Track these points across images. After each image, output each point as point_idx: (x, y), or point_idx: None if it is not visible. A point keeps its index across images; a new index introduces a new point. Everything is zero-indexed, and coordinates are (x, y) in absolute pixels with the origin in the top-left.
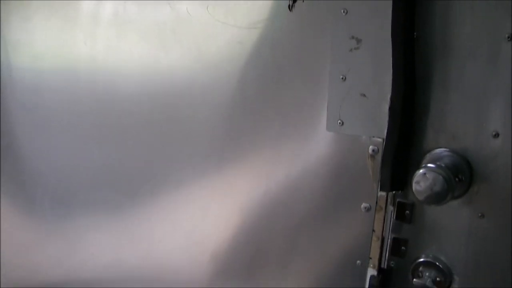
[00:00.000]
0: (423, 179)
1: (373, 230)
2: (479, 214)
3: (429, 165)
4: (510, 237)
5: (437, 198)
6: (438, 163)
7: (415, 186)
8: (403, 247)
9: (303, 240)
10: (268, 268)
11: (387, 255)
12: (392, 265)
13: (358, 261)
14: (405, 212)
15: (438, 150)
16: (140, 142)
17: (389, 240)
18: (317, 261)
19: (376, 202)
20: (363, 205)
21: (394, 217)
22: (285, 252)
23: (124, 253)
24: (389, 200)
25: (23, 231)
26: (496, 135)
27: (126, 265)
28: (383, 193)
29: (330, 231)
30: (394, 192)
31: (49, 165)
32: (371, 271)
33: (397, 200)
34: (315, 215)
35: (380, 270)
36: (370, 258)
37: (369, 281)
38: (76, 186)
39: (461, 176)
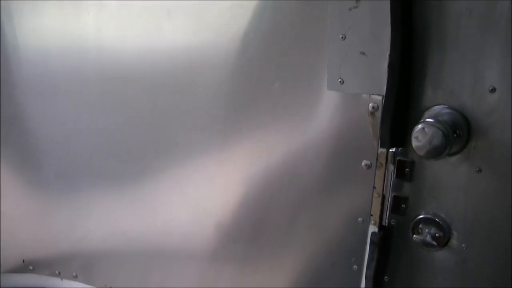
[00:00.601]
0: (422, 133)
1: (374, 187)
2: (477, 169)
3: (428, 120)
4: (507, 190)
5: (436, 152)
6: (436, 118)
7: (414, 141)
8: (403, 205)
9: (306, 200)
10: (273, 231)
11: (387, 213)
12: (393, 223)
13: (359, 219)
14: (405, 170)
15: (436, 107)
16: (145, 112)
17: (389, 198)
18: (319, 220)
19: (377, 159)
20: (364, 162)
21: (395, 176)
22: (289, 212)
23: (130, 222)
24: (389, 158)
25: (29, 201)
26: (493, 90)
27: (132, 234)
28: (383, 150)
29: (332, 189)
30: (394, 150)
31: (54, 135)
32: (372, 228)
33: (397, 158)
34: (317, 175)
35: (381, 227)
36: (371, 215)
37: (370, 237)
38: (82, 156)
39: (459, 132)
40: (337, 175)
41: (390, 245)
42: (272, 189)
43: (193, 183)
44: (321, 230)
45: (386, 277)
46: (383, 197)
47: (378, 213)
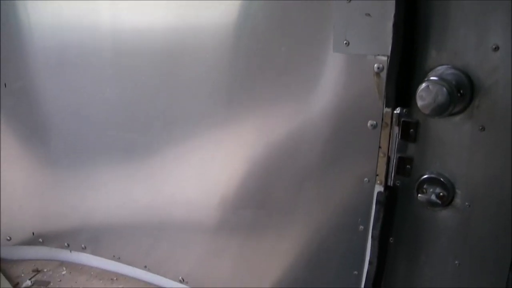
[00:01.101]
0: (427, 91)
1: (379, 147)
2: (480, 127)
3: (432, 78)
4: (509, 147)
5: (441, 109)
6: (441, 77)
7: (419, 100)
8: (408, 166)
9: (312, 162)
10: (279, 196)
11: (393, 174)
12: (398, 184)
13: (365, 179)
14: (409, 131)
15: (440, 68)
16: (152, 84)
17: (394, 160)
18: (325, 182)
19: (382, 119)
20: (370, 122)
21: (399, 137)
22: (296, 175)
23: (138, 194)
24: (394, 120)
25: (38, 174)
26: (496, 49)
27: (140, 205)
28: (388, 110)
29: (338, 150)
30: (399, 112)
31: (62, 107)
32: (378, 188)
33: (402, 120)
34: (323, 136)
35: (386, 186)
36: (377, 175)
37: (376, 197)
38: (90, 129)
39: (463, 91)
40: (343, 136)
41: (395, 205)
42: (279, 153)
43: (199, 154)
44: (328, 191)
45: (391, 238)
46: (389, 157)
47: (383, 172)
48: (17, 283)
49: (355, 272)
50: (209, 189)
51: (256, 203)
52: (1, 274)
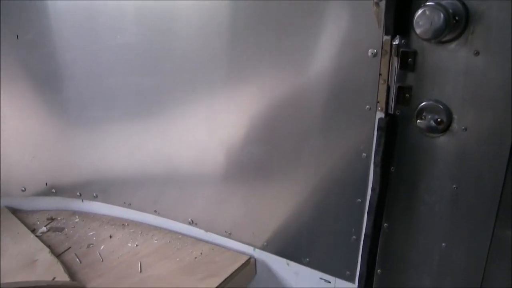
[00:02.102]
0: (423, 16)
1: (380, 74)
2: (475, 52)
3: (428, 3)
4: (503, 69)
5: (437, 32)
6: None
7: (416, 25)
8: (407, 95)
9: (316, 90)
10: (284, 133)
11: (393, 104)
12: (398, 113)
13: (367, 106)
14: (408, 60)
15: None
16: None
17: (394, 90)
18: (328, 111)
19: (382, 47)
20: (370, 51)
21: (399, 67)
22: (299, 104)
23: (147, 141)
24: (393, 50)
25: (51, 123)
26: None
27: (149, 158)
28: (388, 37)
29: (340, 80)
30: (397, 42)
31: (75, 56)
32: (379, 115)
33: (401, 50)
34: (325, 66)
35: (387, 113)
36: (378, 102)
37: (378, 123)
38: (102, 78)
39: (458, 18)
40: (344, 65)
41: (396, 132)
42: (284, 83)
43: (205, 113)
44: (330, 121)
45: (392, 167)
46: (388, 86)
47: (384, 98)
48: (33, 230)
49: (359, 200)
50: (213, 147)
51: (264, 141)
52: (20, 222)
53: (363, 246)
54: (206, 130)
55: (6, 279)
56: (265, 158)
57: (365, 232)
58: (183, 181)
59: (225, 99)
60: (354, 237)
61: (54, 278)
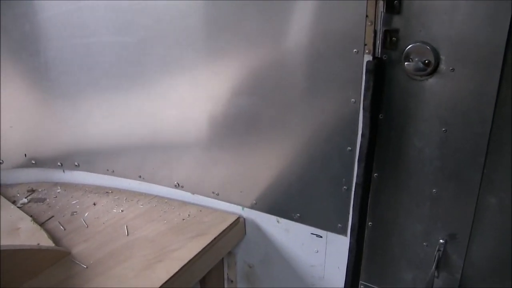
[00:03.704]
0: None
1: (366, 16)
2: None
3: None
4: (487, 9)
5: None
6: None
7: None
8: (394, 38)
9: (301, 35)
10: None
11: (379, 48)
12: (385, 58)
13: (354, 50)
14: (394, 3)
15: None
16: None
17: (380, 34)
18: (314, 56)
19: None
20: None
21: (384, 10)
22: (286, 51)
23: (129, 107)
24: None
25: (29, 91)
26: None
27: (131, 119)
28: None
29: (326, 22)
30: None
31: (55, 16)
32: (367, 57)
33: None
34: (309, 5)
35: (374, 56)
36: (365, 45)
37: (366, 66)
38: (83, 42)
39: None
40: (329, 8)
41: (384, 76)
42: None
43: (189, 70)
44: (317, 66)
45: (381, 115)
46: (375, 30)
47: (371, 40)
48: (14, 202)
49: (349, 148)
50: (201, 94)
51: (249, 93)
52: None
53: (354, 196)
54: (190, 87)
55: None
56: (251, 111)
57: (356, 181)
58: (168, 144)
59: (210, 52)
60: (345, 187)
61: (38, 244)
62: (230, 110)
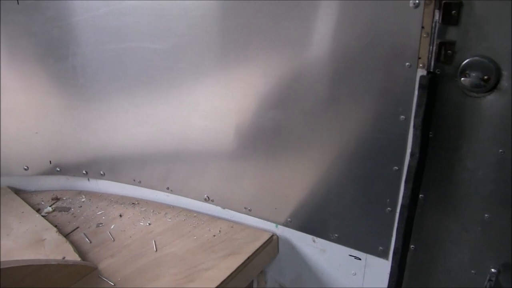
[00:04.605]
0: None
1: (422, 27)
2: None
3: None
4: None
5: None
6: None
7: None
8: (449, 51)
9: (350, 45)
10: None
11: (433, 62)
12: (438, 72)
13: (407, 63)
14: (451, 13)
15: None
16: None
17: (435, 46)
18: (364, 67)
19: None
20: (412, 2)
21: (440, 21)
22: (330, 61)
23: (156, 117)
24: (435, 2)
25: (55, 96)
26: None
27: (158, 128)
28: None
29: (378, 33)
30: None
31: (82, 19)
32: (421, 72)
33: (443, 1)
34: (359, 13)
35: (429, 71)
36: (419, 58)
37: (419, 81)
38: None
39: None
40: (382, 17)
41: (437, 91)
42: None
43: (220, 80)
44: (365, 79)
45: (430, 133)
46: (432, 41)
47: (426, 54)
48: (38, 210)
49: (395, 167)
50: (232, 105)
51: (284, 106)
52: (24, 202)
53: (399, 218)
54: (219, 96)
55: (14, 258)
56: (286, 124)
57: (401, 202)
58: (197, 155)
59: (241, 62)
60: (389, 208)
61: (63, 258)
62: (261, 123)
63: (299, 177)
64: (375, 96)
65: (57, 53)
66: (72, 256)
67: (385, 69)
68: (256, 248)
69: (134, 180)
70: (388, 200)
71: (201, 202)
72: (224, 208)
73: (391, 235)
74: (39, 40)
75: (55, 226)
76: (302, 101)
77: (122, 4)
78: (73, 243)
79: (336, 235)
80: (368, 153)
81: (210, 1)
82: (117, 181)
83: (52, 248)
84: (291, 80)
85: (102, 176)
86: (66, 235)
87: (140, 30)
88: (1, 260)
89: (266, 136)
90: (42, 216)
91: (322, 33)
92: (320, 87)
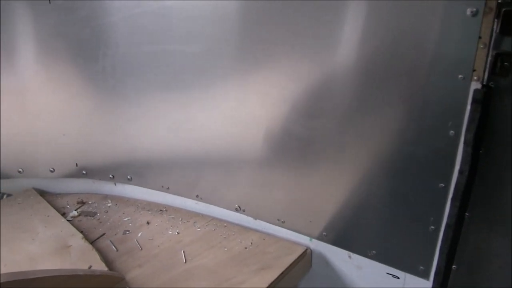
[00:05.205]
0: None
1: (480, 37)
2: None
3: None
4: None
5: None
6: None
7: None
8: (506, 63)
9: (398, 52)
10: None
11: (487, 75)
12: (492, 85)
13: (460, 76)
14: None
15: None
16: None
17: (490, 58)
18: (412, 78)
19: (485, 4)
20: (469, 10)
21: (498, 31)
22: (370, 70)
23: (181, 132)
24: (494, 9)
25: (82, 98)
26: None
27: (182, 145)
28: None
29: (427, 40)
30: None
31: (113, 20)
32: (475, 85)
33: (503, 9)
34: (409, 21)
35: (483, 84)
36: (474, 70)
37: (473, 95)
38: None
39: None
40: (435, 25)
41: (490, 106)
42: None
43: (246, 93)
44: (412, 89)
45: (482, 149)
46: (489, 50)
47: (482, 66)
48: (63, 213)
49: (442, 185)
50: (268, 111)
51: (321, 114)
52: (49, 204)
53: (443, 238)
54: (252, 104)
55: (39, 265)
56: (319, 132)
57: (447, 221)
58: (228, 163)
59: (273, 68)
60: (432, 227)
61: (90, 267)
62: (295, 130)
63: (334, 189)
64: (422, 108)
65: (87, 54)
66: (99, 265)
67: (435, 81)
68: (290, 263)
69: (162, 186)
70: (432, 218)
71: (232, 212)
72: (256, 219)
73: (434, 255)
74: (69, 40)
75: (81, 232)
76: (337, 108)
77: (158, 4)
78: (99, 251)
79: (373, 251)
80: (411, 167)
81: (249, 2)
82: (145, 187)
83: (78, 256)
84: (326, 86)
85: (129, 180)
86: (92, 242)
87: (175, 33)
88: (28, 268)
89: (299, 143)
90: (68, 220)
91: (363, 37)
92: (360, 94)
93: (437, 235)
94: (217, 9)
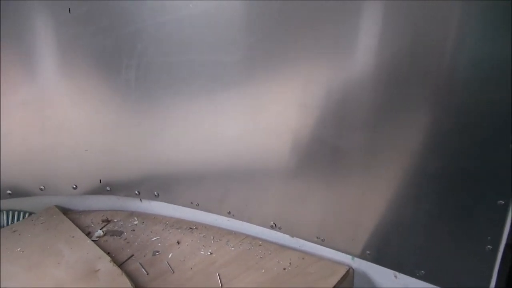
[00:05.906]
0: None
1: None
2: None
3: None
4: None
5: None
6: None
7: None
8: None
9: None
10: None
11: None
12: None
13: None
14: None
15: None
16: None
17: None
18: (467, 80)
19: None
20: None
21: None
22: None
23: (211, 145)
24: None
25: (106, 111)
26: None
27: (212, 158)
28: None
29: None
30: None
31: (137, 29)
32: None
33: None
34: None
35: None
36: None
37: None
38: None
39: None
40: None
41: None
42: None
43: (271, 100)
44: (463, 96)
45: None
46: None
47: None
48: (88, 233)
49: (501, 202)
50: (280, 137)
51: (370, 124)
52: (73, 224)
53: (502, 259)
54: (280, 115)
55: None
56: (365, 143)
57: (506, 241)
58: (260, 177)
59: (304, 75)
60: (489, 247)
61: None
62: (335, 142)
63: (377, 204)
64: (479, 118)
65: (110, 65)
66: None
67: (495, 87)
68: (333, 284)
69: (191, 203)
70: (489, 237)
71: (266, 229)
72: (293, 236)
73: (491, 277)
74: (91, 51)
75: (108, 254)
76: (382, 121)
77: (183, 12)
78: (129, 275)
79: (422, 271)
80: (466, 182)
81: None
82: (173, 203)
83: (107, 281)
84: (357, 94)
85: (156, 197)
86: (121, 265)
87: (204, 42)
88: None
89: (344, 154)
90: (93, 241)
91: (397, 41)
92: (406, 107)
93: (495, 256)
94: (250, 15)
